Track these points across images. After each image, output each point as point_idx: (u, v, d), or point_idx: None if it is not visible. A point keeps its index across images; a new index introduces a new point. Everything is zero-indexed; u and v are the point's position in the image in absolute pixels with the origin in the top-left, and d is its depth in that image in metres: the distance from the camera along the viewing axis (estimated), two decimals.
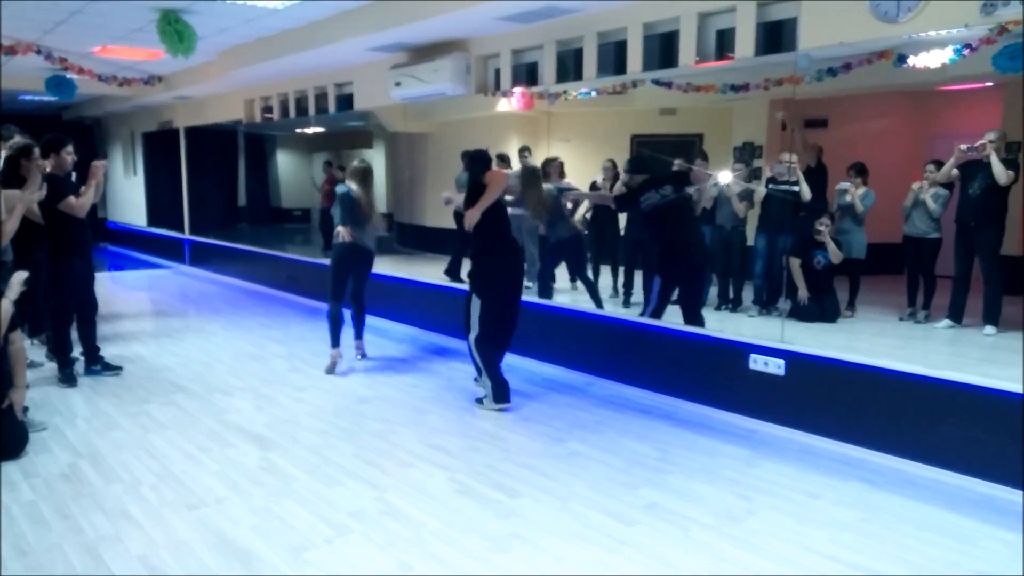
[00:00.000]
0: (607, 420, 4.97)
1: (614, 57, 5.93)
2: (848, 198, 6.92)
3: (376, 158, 12.10)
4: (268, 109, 10.63)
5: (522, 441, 4.61)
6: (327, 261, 9.51)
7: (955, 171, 6.28)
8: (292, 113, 9.99)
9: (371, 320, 8.16)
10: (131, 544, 3.23)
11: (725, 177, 7.06)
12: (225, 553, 3.16)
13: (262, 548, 3.20)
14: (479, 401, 5.24)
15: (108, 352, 6.23)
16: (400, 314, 7.87)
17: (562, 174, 7.74)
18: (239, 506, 3.62)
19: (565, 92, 6.48)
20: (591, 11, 5.81)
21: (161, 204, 14.33)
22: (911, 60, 4.53)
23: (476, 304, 5.12)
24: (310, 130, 11.57)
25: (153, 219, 14.66)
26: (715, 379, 5.01)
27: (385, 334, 7.70)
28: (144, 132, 14.59)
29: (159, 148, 14.15)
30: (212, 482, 3.90)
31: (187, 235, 13.11)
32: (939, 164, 6.54)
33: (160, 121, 13.67)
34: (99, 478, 3.94)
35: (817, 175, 7.06)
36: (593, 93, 6.42)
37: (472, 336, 5.17)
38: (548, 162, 7.77)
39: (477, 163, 5.26)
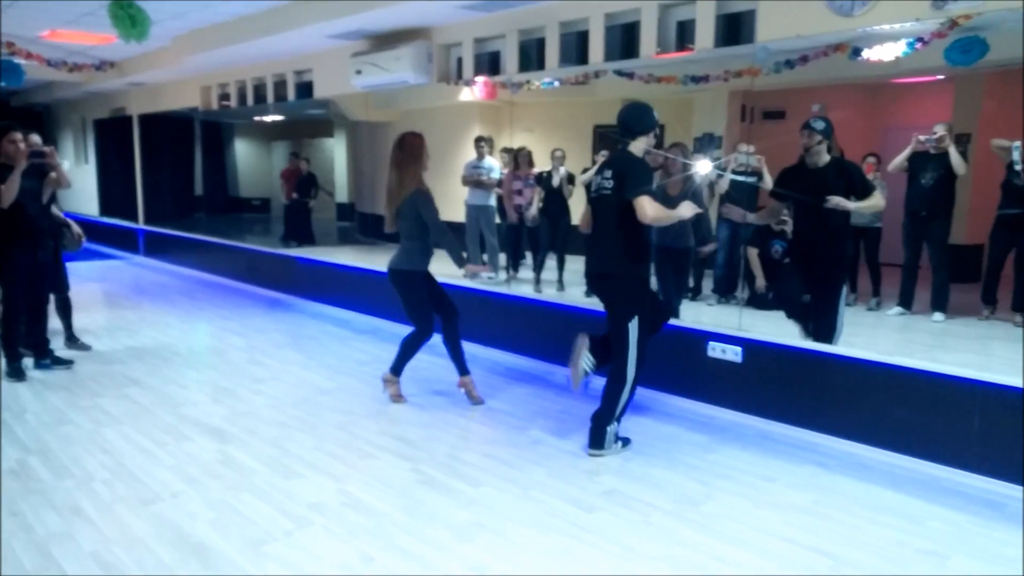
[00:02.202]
0: (569, 408, 5.00)
1: (576, 47, 5.94)
2: None
3: (337, 147, 12.02)
4: (225, 96, 10.46)
5: (484, 430, 4.62)
6: (287, 252, 9.51)
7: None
8: (250, 101, 9.84)
9: (332, 311, 8.14)
10: (83, 541, 3.17)
11: (704, 167, 7.10)
12: (181, 548, 3.11)
13: (220, 542, 3.17)
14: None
15: (59, 346, 6.11)
16: (361, 305, 7.81)
17: (531, 164, 7.75)
18: (196, 500, 3.57)
19: (528, 82, 6.48)
20: (553, 1, 5.80)
21: (114, 193, 14.03)
22: (865, 53, 4.61)
23: None
24: (269, 118, 11.43)
25: (105, 208, 14.36)
26: (675, 367, 5.06)
27: (347, 325, 7.65)
28: (96, 119, 14.26)
29: (112, 136, 13.84)
30: (167, 476, 3.85)
31: (141, 225, 12.86)
32: (876, 156, 6.72)
33: (113, 108, 13.37)
34: (49, 474, 3.86)
35: None
36: (556, 83, 6.43)
37: None
38: (519, 151, 7.78)
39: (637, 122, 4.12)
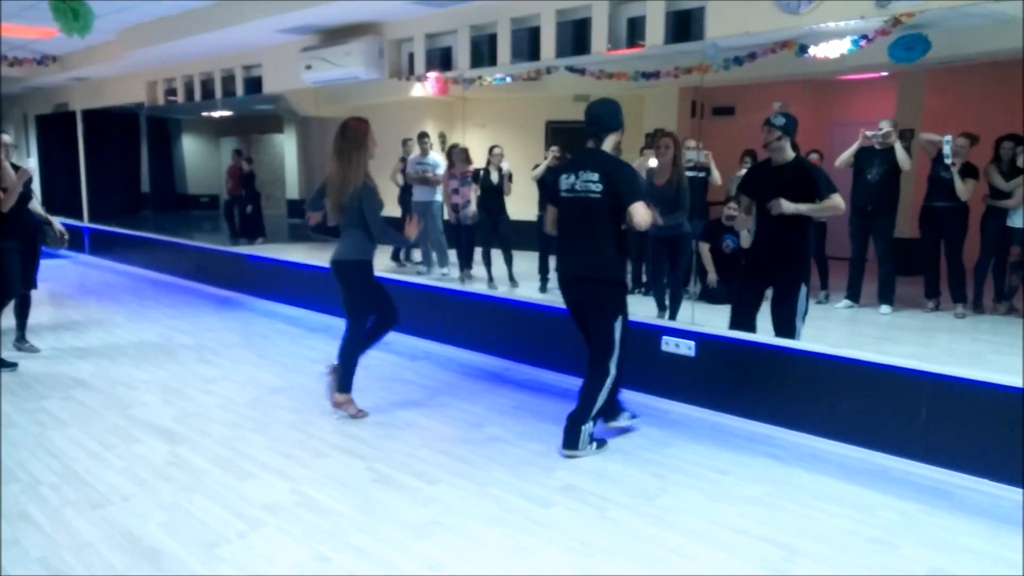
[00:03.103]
0: (524, 404, 5.01)
1: (528, 43, 5.95)
2: None
3: (287, 143, 11.84)
4: (172, 92, 10.26)
5: (440, 428, 4.60)
6: (237, 249, 9.36)
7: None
8: (198, 96, 9.67)
9: (283, 309, 8.03)
10: (31, 546, 3.09)
11: (652, 164, 7.14)
12: (132, 552, 3.05)
13: (172, 545, 3.11)
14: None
15: (7, 346, 5.93)
16: (313, 302, 7.73)
17: (467, 160, 7.71)
18: (147, 503, 3.50)
19: (480, 77, 6.47)
20: None
21: (57, 191, 13.67)
22: (812, 50, 4.70)
23: None
24: (217, 114, 11.25)
25: (48, 206, 13.84)
26: (629, 361, 5.07)
27: (298, 323, 7.56)
28: (38, 115, 13.88)
29: (55, 132, 13.48)
30: (117, 479, 3.76)
31: (86, 223, 12.55)
32: (819, 153, 6.87)
33: (55, 103, 13.02)
34: None
35: None
36: (508, 79, 6.42)
37: None
38: (451, 148, 7.73)
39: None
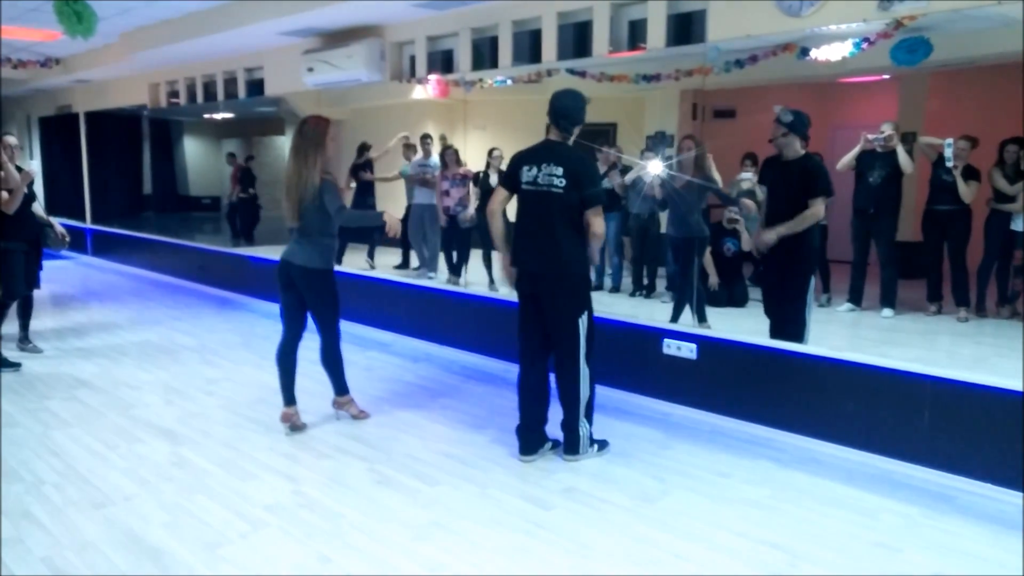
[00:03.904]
0: None
1: (529, 46, 5.96)
2: (746, 186, 7.08)
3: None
4: (174, 94, 10.28)
5: (441, 430, 4.60)
6: (239, 251, 9.37)
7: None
8: (200, 98, 9.69)
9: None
10: (34, 546, 3.10)
11: (656, 167, 7.13)
12: (135, 552, 3.06)
13: (174, 545, 3.12)
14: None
15: (5, 349, 5.94)
16: None
17: (459, 162, 7.70)
18: (149, 503, 3.51)
19: (481, 80, 6.47)
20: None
21: (60, 192, 13.71)
22: (813, 53, 4.70)
23: None
24: (219, 116, 11.28)
25: (51, 208, 13.90)
26: (630, 364, 5.11)
27: None
28: (41, 117, 13.90)
29: (57, 133, 13.52)
30: (120, 479, 3.77)
31: (89, 224, 12.57)
32: (819, 155, 6.83)
33: (58, 105, 13.05)
34: None
35: None
36: (508, 81, 6.43)
37: None
38: (444, 150, 7.73)
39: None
